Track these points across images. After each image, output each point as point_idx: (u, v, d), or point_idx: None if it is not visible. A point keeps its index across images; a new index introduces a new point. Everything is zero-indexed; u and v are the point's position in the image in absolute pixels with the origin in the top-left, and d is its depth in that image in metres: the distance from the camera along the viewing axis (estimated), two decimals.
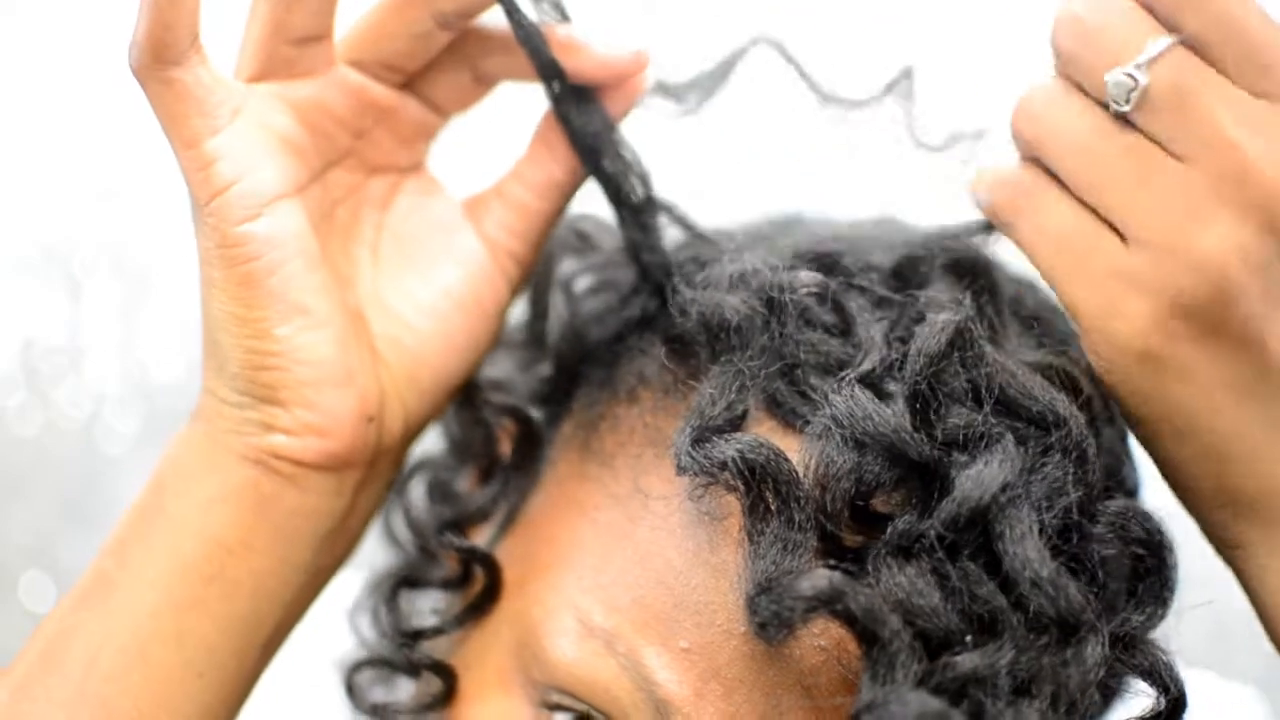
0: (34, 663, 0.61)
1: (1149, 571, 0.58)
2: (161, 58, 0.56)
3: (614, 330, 0.66)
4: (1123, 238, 0.57)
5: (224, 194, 0.59)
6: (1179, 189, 0.56)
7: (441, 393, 0.66)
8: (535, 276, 0.71)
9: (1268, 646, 0.61)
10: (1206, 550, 0.62)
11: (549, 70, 0.63)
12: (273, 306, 0.60)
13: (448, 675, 0.65)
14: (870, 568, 0.56)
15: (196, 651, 0.61)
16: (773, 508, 0.56)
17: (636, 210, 0.65)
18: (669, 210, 0.67)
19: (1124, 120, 0.57)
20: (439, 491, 0.71)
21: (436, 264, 0.65)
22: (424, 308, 0.65)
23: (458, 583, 0.66)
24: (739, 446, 0.56)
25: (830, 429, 0.57)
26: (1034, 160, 0.59)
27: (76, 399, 1.07)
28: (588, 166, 0.64)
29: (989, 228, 0.62)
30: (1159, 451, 0.60)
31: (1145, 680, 0.58)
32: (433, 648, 0.67)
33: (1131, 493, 0.66)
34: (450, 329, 0.65)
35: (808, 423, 0.58)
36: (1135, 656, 0.58)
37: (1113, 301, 0.57)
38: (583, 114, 0.63)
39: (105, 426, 1.10)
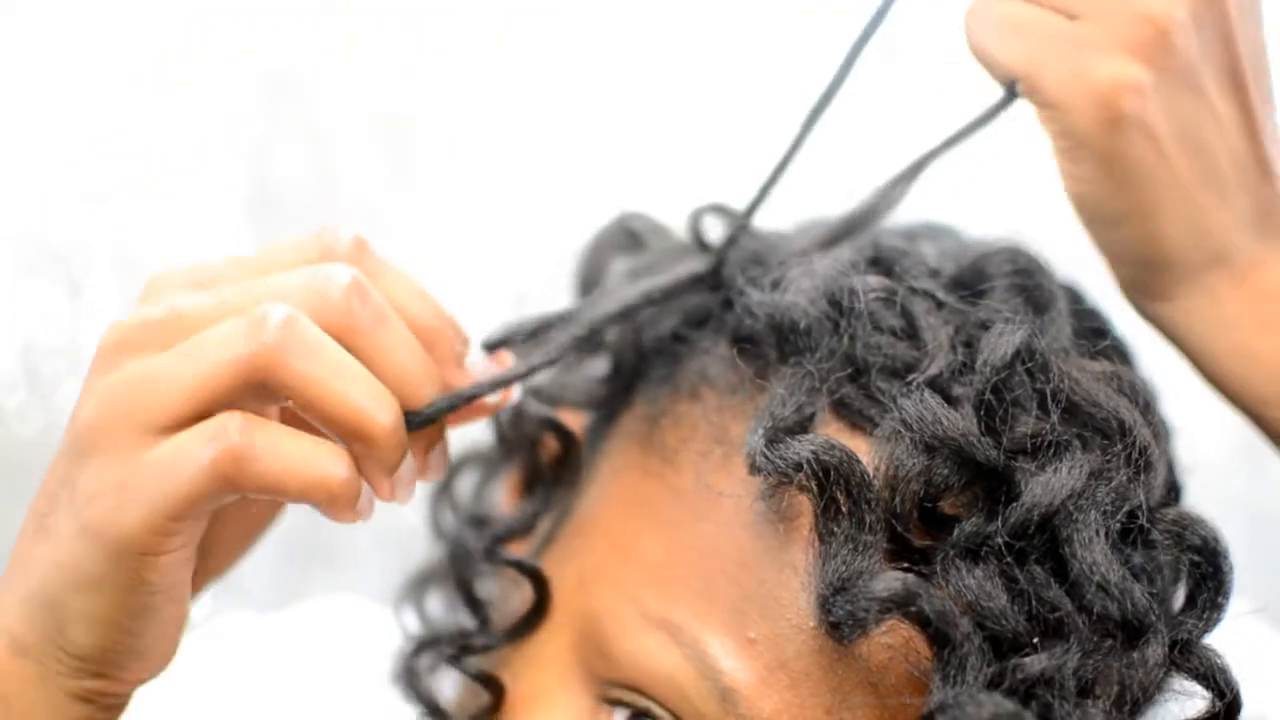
0: None
1: (1205, 578, 0.59)
2: None
3: (671, 329, 0.66)
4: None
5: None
6: None
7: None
8: (585, 276, 0.71)
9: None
10: None
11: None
12: (155, 612, 0.57)
13: (496, 687, 0.64)
14: (939, 569, 0.56)
15: None
16: (844, 509, 0.56)
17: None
18: (728, 210, 0.67)
19: None
20: (477, 518, 0.71)
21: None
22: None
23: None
24: (813, 448, 0.56)
25: (900, 432, 0.57)
26: None
27: (77, 399, 1.06)
28: None
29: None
30: (1111, 213, 0.62)
31: (1200, 684, 0.59)
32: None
33: (1177, 496, 0.67)
34: (241, 555, 0.66)
35: (876, 425, 0.59)
36: (1190, 660, 0.59)
37: (1078, 69, 0.60)
38: None
39: None
